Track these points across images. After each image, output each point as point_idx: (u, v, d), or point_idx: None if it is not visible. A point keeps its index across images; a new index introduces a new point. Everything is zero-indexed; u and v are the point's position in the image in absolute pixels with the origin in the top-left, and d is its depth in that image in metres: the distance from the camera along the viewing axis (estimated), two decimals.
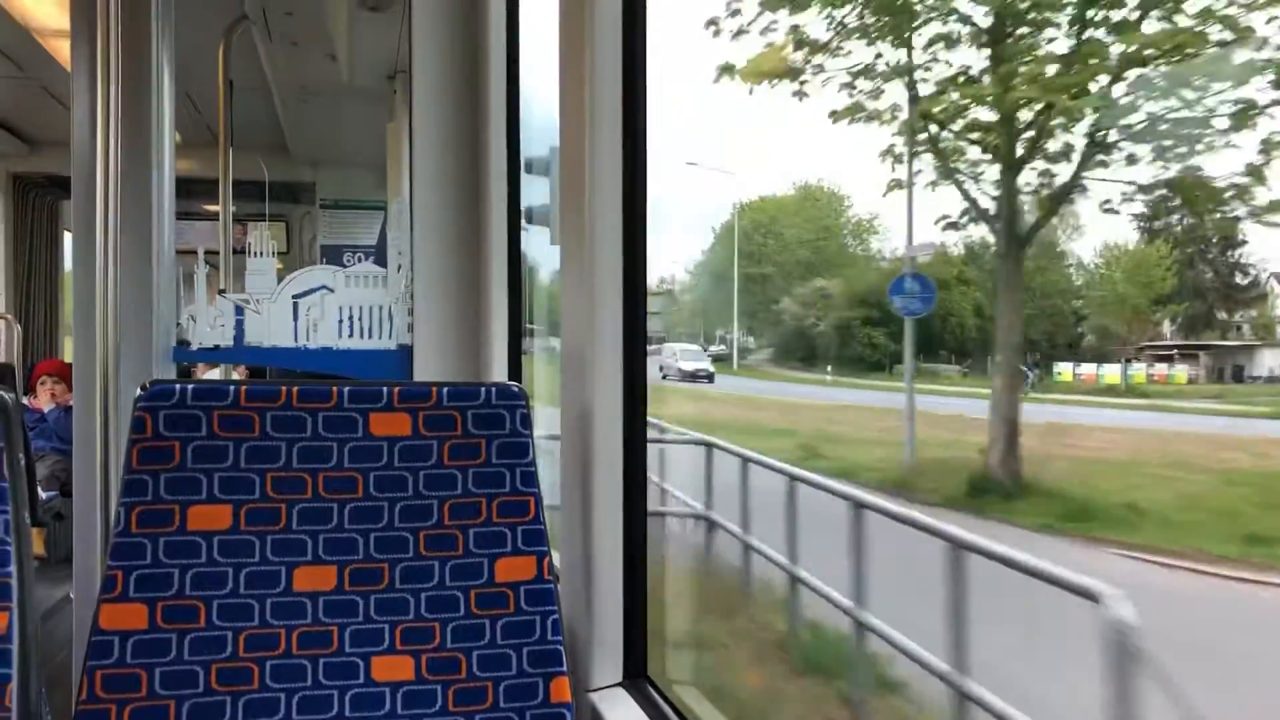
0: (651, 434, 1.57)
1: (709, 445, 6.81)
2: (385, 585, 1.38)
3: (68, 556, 2.26)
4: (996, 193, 4.80)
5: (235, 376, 5.21)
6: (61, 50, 4.12)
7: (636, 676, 1.59)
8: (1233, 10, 3.66)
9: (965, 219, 5.08)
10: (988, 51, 4.84)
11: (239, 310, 2.43)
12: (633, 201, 1.55)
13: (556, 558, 1.57)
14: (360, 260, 2.56)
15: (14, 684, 1.23)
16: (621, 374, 1.55)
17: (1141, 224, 4.89)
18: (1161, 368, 4.91)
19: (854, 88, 5.33)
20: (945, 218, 5.10)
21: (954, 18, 4.96)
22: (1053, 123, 4.55)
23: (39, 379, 5.02)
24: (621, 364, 1.55)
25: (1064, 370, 5.38)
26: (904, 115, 5.30)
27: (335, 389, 1.38)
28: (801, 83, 5.59)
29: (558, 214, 1.68)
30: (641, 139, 1.58)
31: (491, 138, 2.28)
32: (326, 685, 1.34)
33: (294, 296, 2.45)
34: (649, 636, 1.62)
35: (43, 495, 4.45)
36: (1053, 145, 4.57)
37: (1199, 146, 3.87)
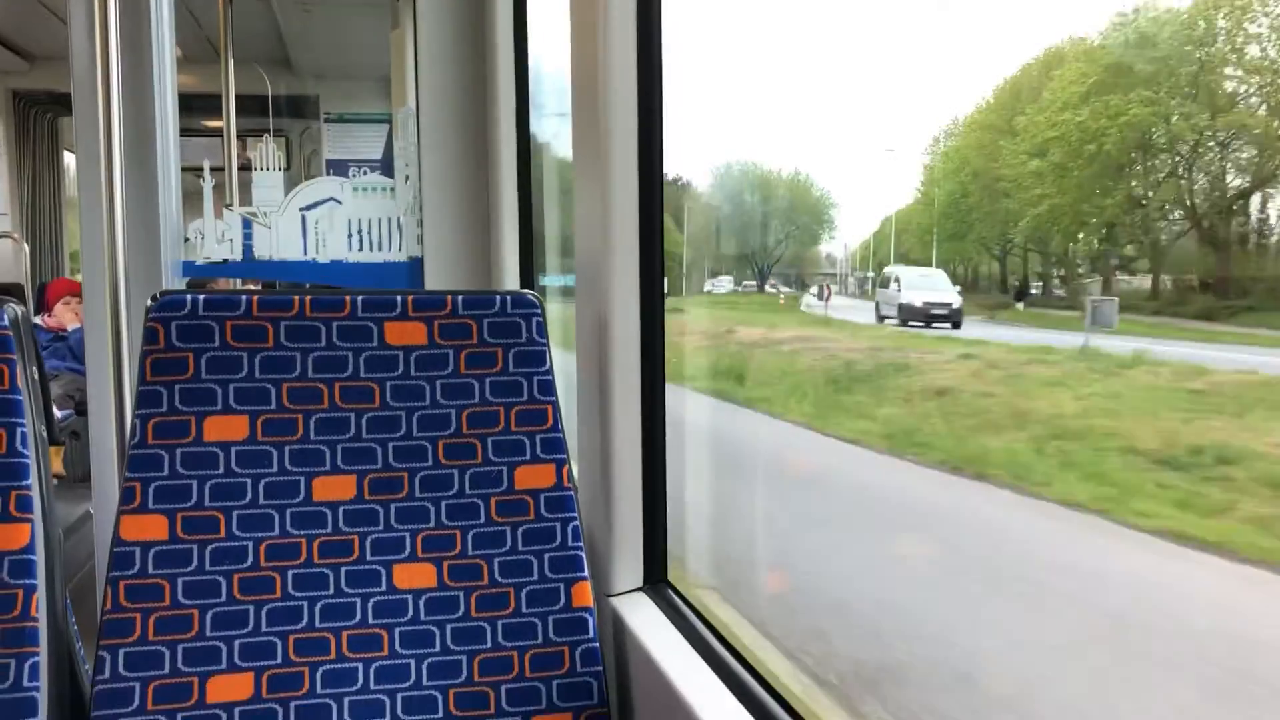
0: None
1: None
2: (405, 494, 1.38)
3: (86, 475, 2.27)
4: None
5: None
6: None
7: (657, 581, 1.59)
8: None
9: None
10: None
11: (246, 224, 2.41)
12: (649, 100, 1.51)
13: (575, 465, 1.56)
14: (366, 173, 2.52)
15: (40, 593, 1.24)
16: (638, 279, 1.53)
17: None
18: None
19: None
20: None
21: None
22: None
23: (60, 299, 5.00)
24: (638, 270, 1.52)
25: None
26: None
27: (349, 298, 1.37)
28: None
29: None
30: (657, 37, 1.53)
31: (499, 41, 2.23)
32: (349, 593, 1.35)
33: (301, 209, 2.42)
34: None
35: (58, 414, 4.46)
36: None
37: None
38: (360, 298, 1.37)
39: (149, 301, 1.32)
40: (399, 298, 1.38)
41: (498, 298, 1.40)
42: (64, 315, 4.90)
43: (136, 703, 1.26)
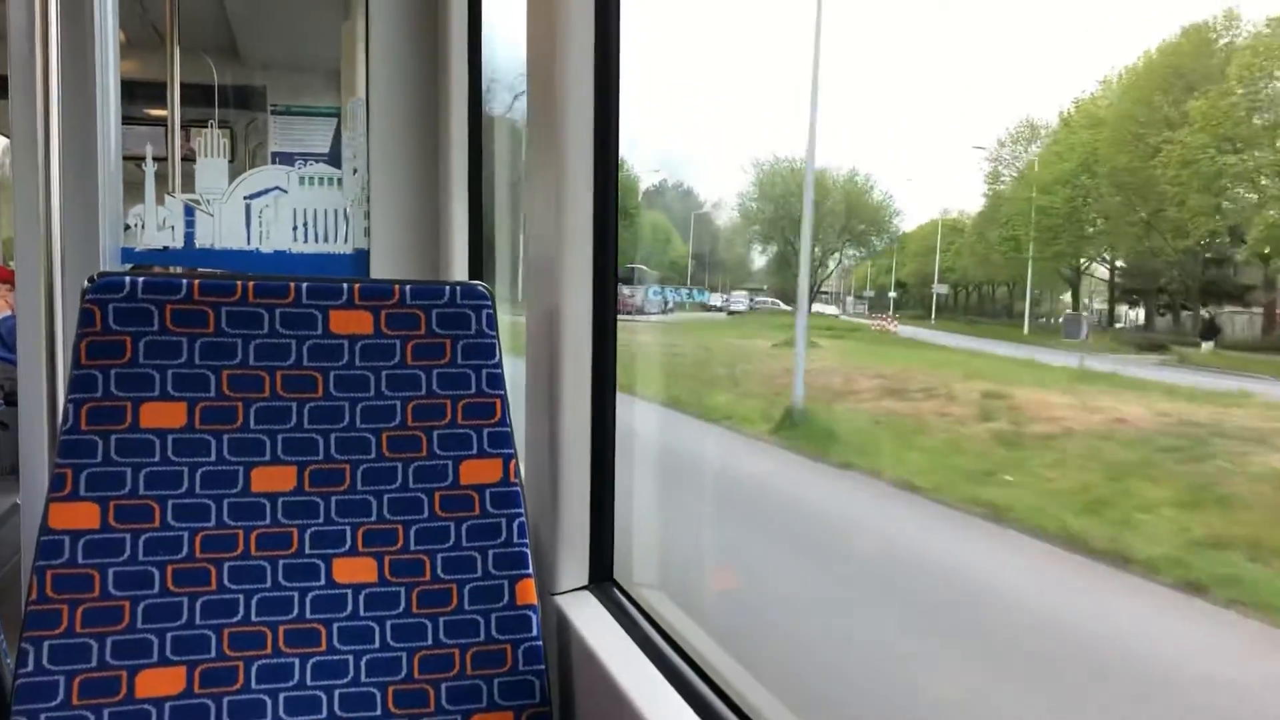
0: None
1: None
2: (346, 487, 1.35)
3: (14, 467, 2.21)
4: None
5: None
6: None
7: (603, 580, 1.57)
8: None
9: None
10: None
11: (189, 211, 2.35)
12: (606, 97, 1.50)
13: (523, 461, 1.54)
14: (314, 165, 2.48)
15: None
16: (591, 274, 1.51)
17: None
18: None
19: None
20: None
21: None
22: None
23: None
24: (592, 263, 1.50)
25: None
26: None
27: (293, 284, 1.33)
28: None
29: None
30: (615, 30, 1.52)
31: (452, 32, 2.21)
32: (286, 587, 1.32)
33: (246, 198, 2.37)
34: None
35: None
36: None
37: None
38: (305, 284, 1.34)
39: (86, 282, 1.28)
40: (345, 285, 1.35)
41: (447, 288, 1.37)
42: None
43: (61, 697, 1.22)
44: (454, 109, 2.24)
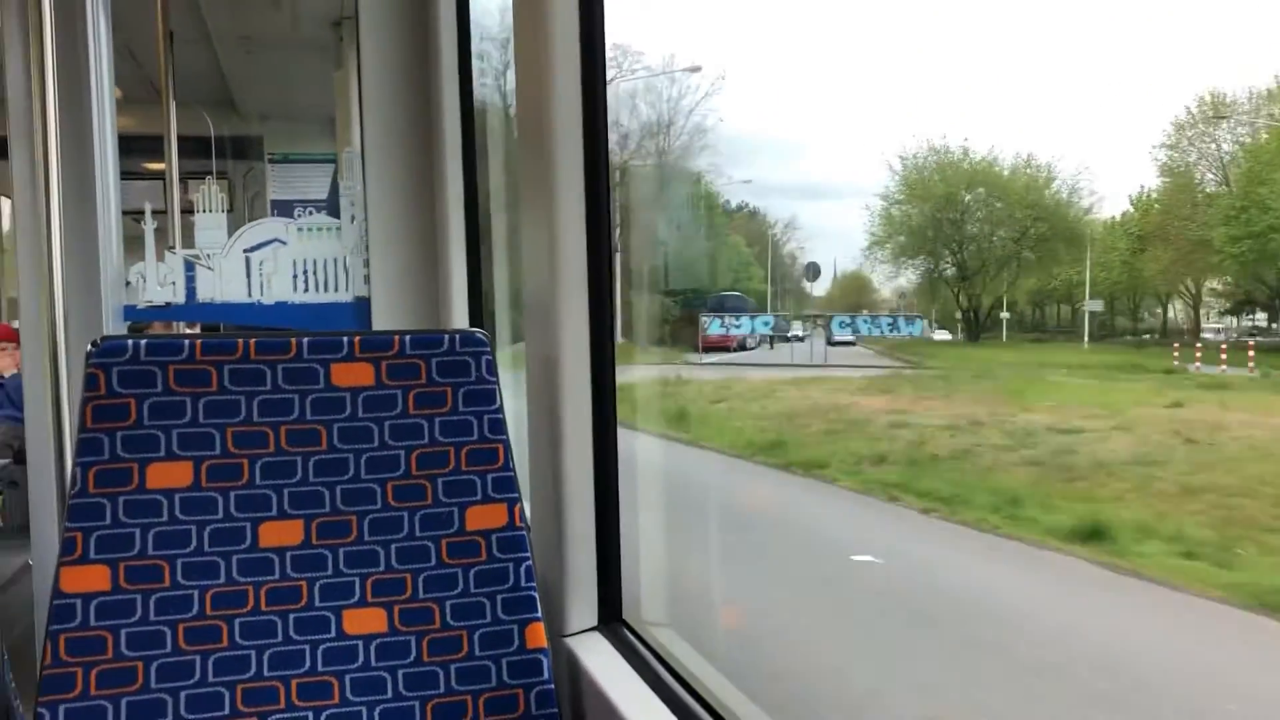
0: None
1: None
2: (354, 538, 1.36)
3: (26, 524, 2.22)
4: None
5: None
6: None
7: (612, 620, 1.58)
8: None
9: None
10: None
11: (189, 267, 2.38)
12: (594, 140, 1.52)
13: (528, 504, 1.55)
14: (312, 214, 2.50)
15: None
16: (588, 318, 1.52)
17: None
18: None
19: None
20: None
21: None
22: None
23: None
24: (588, 308, 1.52)
25: None
26: None
27: (294, 340, 1.35)
28: None
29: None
30: (602, 82, 1.54)
31: (444, 80, 2.23)
32: (298, 640, 1.32)
33: (245, 251, 2.39)
34: None
35: None
36: None
37: None
38: (306, 339, 1.35)
39: (89, 347, 1.29)
40: (345, 339, 1.36)
41: (446, 336, 1.39)
42: (1, 361, 4.79)
43: None
44: (448, 154, 2.26)
